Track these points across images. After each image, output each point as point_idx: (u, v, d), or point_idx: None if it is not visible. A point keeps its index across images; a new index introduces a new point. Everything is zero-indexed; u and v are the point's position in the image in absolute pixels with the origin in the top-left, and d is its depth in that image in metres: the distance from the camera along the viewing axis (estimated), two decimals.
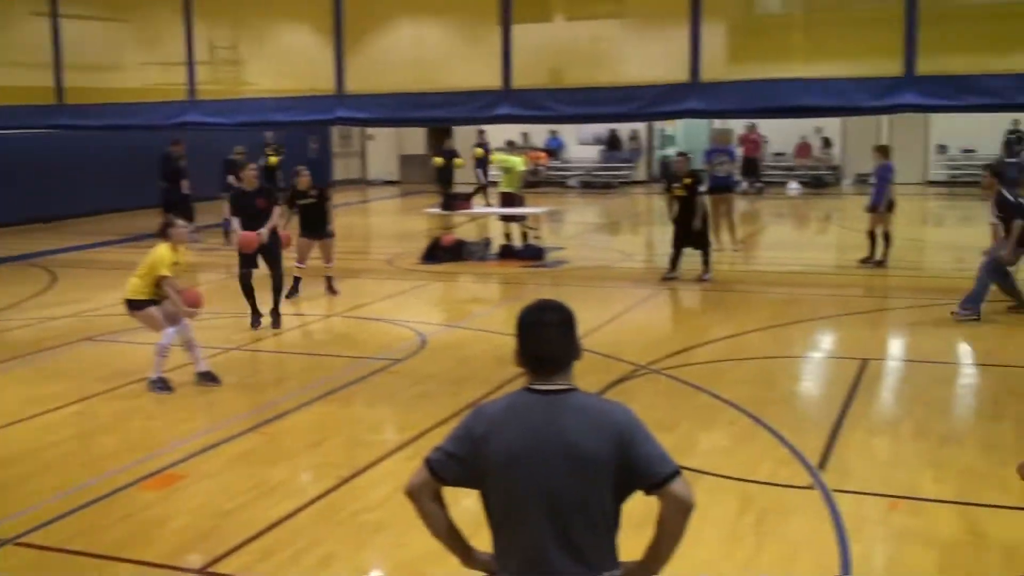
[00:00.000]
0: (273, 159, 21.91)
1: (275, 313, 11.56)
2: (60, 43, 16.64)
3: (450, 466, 3.06)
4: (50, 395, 8.88)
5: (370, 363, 9.84)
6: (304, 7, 15.55)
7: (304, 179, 13.60)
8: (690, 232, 13.93)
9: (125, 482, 6.76)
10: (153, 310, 8.86)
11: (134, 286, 8.87)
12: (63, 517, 6.20)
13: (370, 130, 32.19)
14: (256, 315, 11.51)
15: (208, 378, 9.08)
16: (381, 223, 25.82)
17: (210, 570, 5.49)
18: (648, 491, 2.96)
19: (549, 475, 2.93)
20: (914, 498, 6.20)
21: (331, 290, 13.50)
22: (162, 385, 8.88)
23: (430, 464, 3.09)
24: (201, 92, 15.81)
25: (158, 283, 8.75)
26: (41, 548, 5.80)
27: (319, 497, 6.47)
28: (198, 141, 20.53)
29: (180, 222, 9.10)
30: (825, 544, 5.53)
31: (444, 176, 20.78)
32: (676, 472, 2.95)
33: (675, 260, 14.08)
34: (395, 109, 14.90)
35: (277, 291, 11.64)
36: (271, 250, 11.48)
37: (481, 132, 23.76)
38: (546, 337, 3.04)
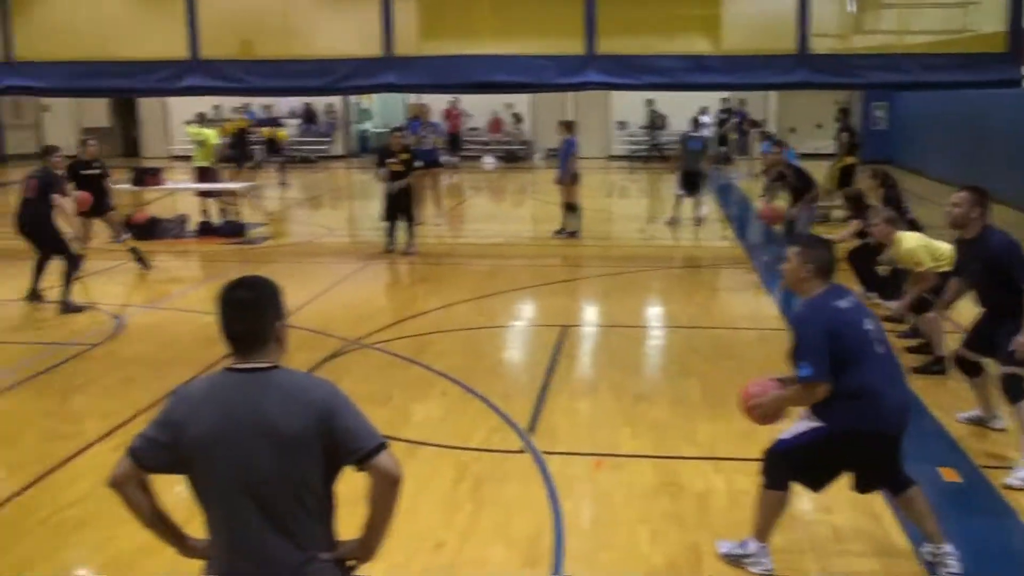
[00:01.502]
0: None
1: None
2: None
3: (153, 453, 2.97)
4: None
5: (62, 349, 9.23)
6: None
7: (92, 149, 13.00)
8: (401, 205, 14.04)
9: None
10: None
11: None
12: None
13: (45, 100, 29.92)
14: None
15: None
16: None
17: None
18: (355, 466, 2.96)
19: (250, 457, 2.89)
20: (615, 455, 6.61)
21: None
22: None
23: (133, 452, 2.99)
24: None
25: None
26: None
27: (12, 497, 6.02)
28: None
29: None
30: (539, 504, 5.79)
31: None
32: (382, 445, 2.96)
33: (391, 233, 14.17)
34: (72, 78, 14.02)
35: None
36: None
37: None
38: (239, 315, 2.99)
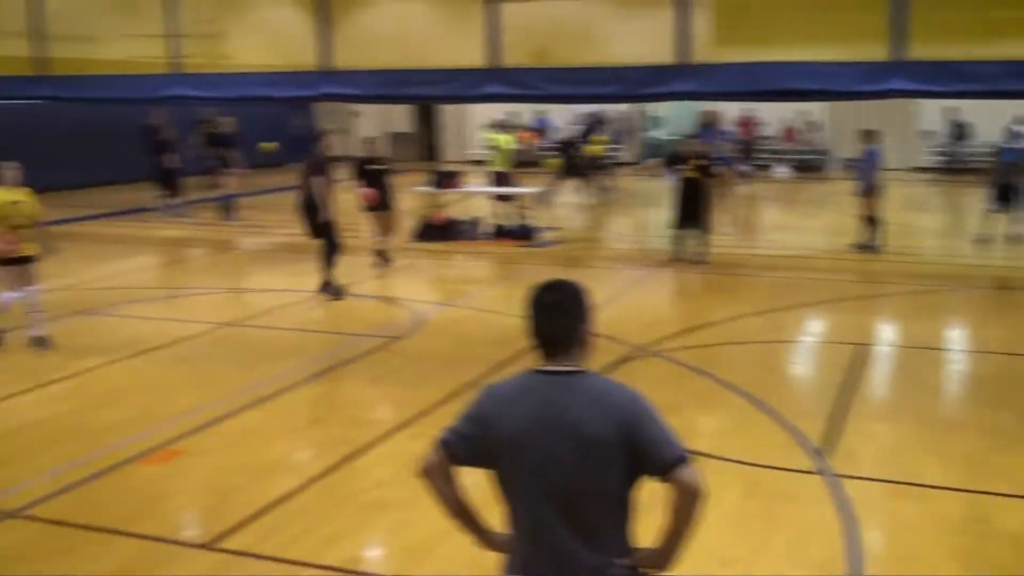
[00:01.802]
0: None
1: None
2: (40, 11, 16.40)
3: (461, 445, 3.03)
4: (46, 367, 8.82)
5: (366, 341, 9.78)
6: None
7: (377, 146, 14.04)
8: (693, 213, 13.94)
9: (125, 457, 6.71)
10: None
11: None
12: (64, 491, 6.16)
13: (356, 107, 31.97)
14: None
15: (39, 343, 9.39)
16: None
17: (215, 546, 5.44)
18: (657, 477, 2.90)
19: (555, 457, 2.90)
20: (919, 484, 6.20)
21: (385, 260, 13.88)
22: None
23: (444, 443, 3.05)
24: (183, 65, 15.66)
25: None
26: (44, 521, 5.76)
27: (322, 475, 6.43)
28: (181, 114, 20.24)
29: (11, 164, 9.35)
30: (832, 529, 5.53)
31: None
32: (684, 458, 2.88)
33: (680, 241, 14.12)
34: (381, 86, 14.79)
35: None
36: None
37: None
38: (546, 317, 3.00)
